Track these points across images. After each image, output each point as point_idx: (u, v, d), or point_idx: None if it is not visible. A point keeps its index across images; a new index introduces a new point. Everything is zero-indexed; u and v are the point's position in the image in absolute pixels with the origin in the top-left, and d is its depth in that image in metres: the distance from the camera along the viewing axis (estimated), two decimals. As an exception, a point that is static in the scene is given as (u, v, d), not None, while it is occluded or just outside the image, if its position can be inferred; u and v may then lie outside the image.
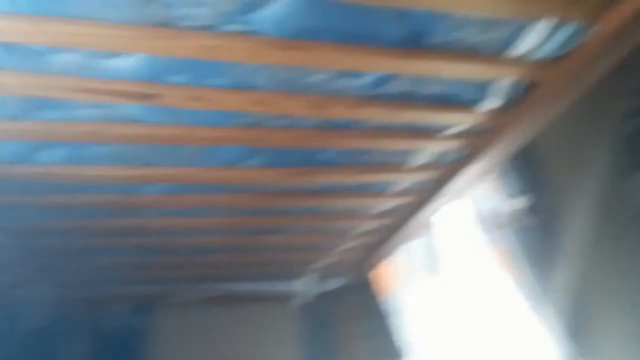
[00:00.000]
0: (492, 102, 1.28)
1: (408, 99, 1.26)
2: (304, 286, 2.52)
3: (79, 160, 1.39)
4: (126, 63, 1.06)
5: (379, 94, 1.24)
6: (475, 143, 1.44)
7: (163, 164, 1.43)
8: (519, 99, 1.26)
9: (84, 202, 1.59)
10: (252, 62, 1.08)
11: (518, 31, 1.08)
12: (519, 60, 1.14)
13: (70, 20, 0.92)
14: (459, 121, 1.36)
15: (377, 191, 1.73)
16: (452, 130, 1.41)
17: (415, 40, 1.06)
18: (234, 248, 2.12)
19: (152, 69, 1.08)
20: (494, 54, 1.13)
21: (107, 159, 1.39)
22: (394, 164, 1.56)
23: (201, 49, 1.00)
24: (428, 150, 1.51)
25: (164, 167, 1.44)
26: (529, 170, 2.29)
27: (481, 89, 1.25)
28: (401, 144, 1.45)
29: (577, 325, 2.17)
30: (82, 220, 1.72)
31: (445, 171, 1.59)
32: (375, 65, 1.12)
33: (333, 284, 2.58)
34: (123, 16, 0.93)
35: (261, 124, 1.29)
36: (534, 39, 1.09)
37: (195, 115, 1.23)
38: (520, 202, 2.21)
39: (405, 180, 1.68)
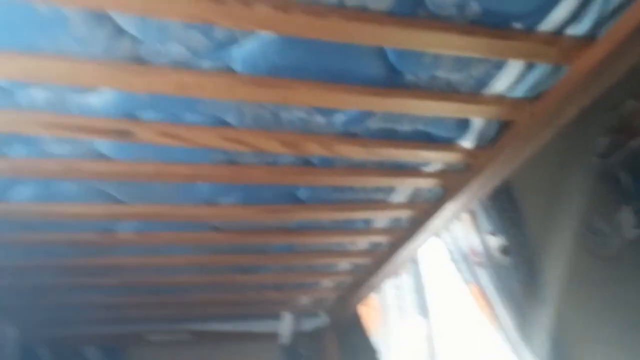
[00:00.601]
0: (468, 141, 1.28)
1: (385, 137, 1.26)
2: (286, 325, 2.46)
3: (49, 197, 1.35)
4: (97, 99, 1.04)
5: (355, 132, 1.23)
6: (452, 181, 1.44)
7: (136, 201, 1.39)
8: (495, 138, 1.27)
9: (53, 240, 1.54)
10: (226, 99, 1.06)
11: (493, 71, 1.09)
12: (494, 100, 1.15)
13: (39, 55, 0.91)
14: (436, 159, 1.36)
15: (355, 229, 1.71)
16: (430, 168, 1.41)
17: (391, 78, 1.06)
18: (210, 287, 2.06)
19: (124, 105, 1.06)
20: (469, 92, 1.14)
21: (78, 196, 1.35)
22: (372, 201, 1.54)
23: (174, 85, 0.98)
24: (406, 188, 1.50)
25: (137, 205, 1.40)
26: (505, 208, 2.30)
27: (457, 128, 1.26)
28: (378, 182, 1.44)
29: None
30: (51, 258, 1.66)
31: (423, 209, 1.58)
32: (352, 103, 1.11)
33: (316, 322, 2.53)
34: (94, 51, 0.91)
35: (236, 160, 1.27)
36: (509, 79, 1.10)
37: (169, 151, 1.21)
38: (495, 241, 2.20)
39: (384, 218, 1.66)
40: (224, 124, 1.13)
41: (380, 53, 1.01)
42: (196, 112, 1.10)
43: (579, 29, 0.98)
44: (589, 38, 0.99)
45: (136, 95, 1.04)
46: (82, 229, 1.51)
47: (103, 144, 1.17)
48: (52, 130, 1.10)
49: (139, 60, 0.95)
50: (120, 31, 0.89)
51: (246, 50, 0.95)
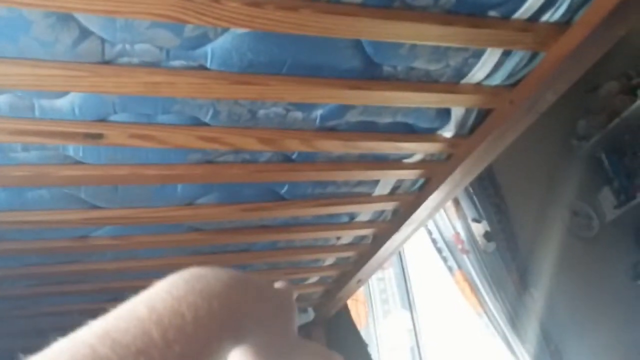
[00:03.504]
0: (449, 130, 1.27)
1: (365, 130, 1.24)
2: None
3: (20, 205, 1.30)
4: (65, 102, 1.00)
5: (334, 126, 1.21)
6: (434, 171, 1.43)
7: (111, 205, 1.35)
8: (475, 126, 1.26)
9: (27, 249, 1.49)
10: (200, 98, 1.03)
11: (471, 60, 1.07)
12: (473, 88, 1.14)
13: (2, 60, 0.86)
14: (418, 150, 1.35)
15: (339, 223, 1.69)
16: (412, 159, 1.39)
17: (369, 70, 1.04)
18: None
19: (94, 108, 1.02)
20: (448, 82, 1.12)
21: (50, 203, 1.30)
22: (355, 195, 1.53)
23: (145, 86, 0.94)
24: (389, 181, 1.48)
25: (112, 209, 1.36)
26: (488, 195, 2.31)
27: (437, 118, 1.24)
28: (360, 175, 1.42)
29: (543, 349, 2.16)
30: (25, 267, 1.61)
31: (407, 201, 1.56)
32: (330, 97, 1.09)
33: (304, 317, 2.51)
34: (60, 55, 0.87)
35: (213, 160, 1.24)
36: (487, 67, 1.09)
37: (143, 153, 1.17)
38: (479, 227, 2.22)
39: (368, 211, 1.65)
40: (199, 123, 1.10)
41: (357, 46, 0.99)
42: (169, 112, 1.06)
43: (554, 15, 0.97)
44: (564, 24, 0.98)
45: (106, 97, 1.00)
46: (56, 236, 1.46)
47: (73, 149, 1.13)
48: (19, 138, 1.05)
49: (107, 62, 0.91)
50: (86, 32, 0.85)
51: (219, 48, 0.92)
